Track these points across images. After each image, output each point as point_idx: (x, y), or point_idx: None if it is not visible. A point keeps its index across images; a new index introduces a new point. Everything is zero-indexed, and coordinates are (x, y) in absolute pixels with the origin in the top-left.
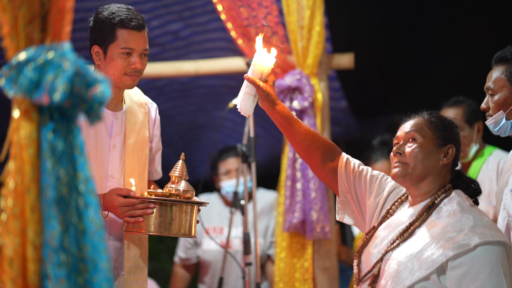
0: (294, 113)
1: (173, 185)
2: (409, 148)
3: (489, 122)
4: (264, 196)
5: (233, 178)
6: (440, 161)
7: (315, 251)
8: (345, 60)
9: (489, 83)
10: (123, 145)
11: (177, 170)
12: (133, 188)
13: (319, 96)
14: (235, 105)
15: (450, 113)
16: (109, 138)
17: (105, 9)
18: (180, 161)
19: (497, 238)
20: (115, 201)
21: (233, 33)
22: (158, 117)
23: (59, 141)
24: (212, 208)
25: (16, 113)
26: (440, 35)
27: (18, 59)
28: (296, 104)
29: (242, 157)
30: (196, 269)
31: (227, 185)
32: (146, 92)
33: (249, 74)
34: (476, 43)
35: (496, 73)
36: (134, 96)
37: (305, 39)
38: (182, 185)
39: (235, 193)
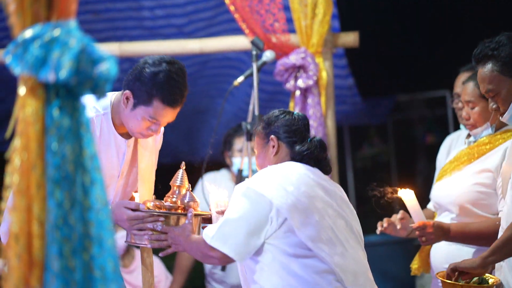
0: (298, 92)
1: (175, 196)
2: (256, 161)
3: (505, 118)
4: None
5: (246, 156)
6: (271, 154)
7: None
8: (350, 38)
9: (487, 85)
10: (131, 172)
11: (178, 179)
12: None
13: (324, 74)
14: (240, 83)
15: (468, 86)
16: (119, 166)
17: (155, 66)
18: (181, 170)
19: (246, 184)
20: (124, 214)
21: (236, 15)
22: (161, 140)
23: (65, 118)
24: (219, 186)
25: (22, 90)
26: (445, 14)
27: (24, 36)
28: (300, 82)
29: (246, 135)
30: None
31: (239, 162)
32: None
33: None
34: (481, 21)
35: (486, 72)
36: None
37: (309, 17)
38: (187, 197)
39: (240, 171)
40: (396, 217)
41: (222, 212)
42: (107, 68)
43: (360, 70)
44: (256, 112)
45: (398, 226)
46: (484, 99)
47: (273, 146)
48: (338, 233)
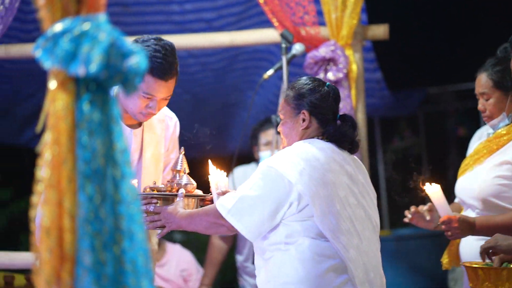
0: None
1: (174, 181)
2: (280, 128)
3: None
4: None
5: (275, 150)
6: (300, 127)
7: None
8: (380, 31)
9: None
10: (138, 161)
11: (177, 164)
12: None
13: (354, 67)
14: (269, 76)
15: (481, 78)
16: None
17: (142, 43)
18: (180, 155)
19: (268, 163)
20: None
21: (266, 8)
22: (176, 131)
23: (95, 112)
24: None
25: (52, 84)
26: (477, 4)
27: (54, 30)
28: (330, 75)
29: (276, 128)
30: (234, 239)
31: (267, 155)
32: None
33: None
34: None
35: None
36: None
37: (340, 9)
38: (184, 179)
39: None
40: (423, 208)
41: (222, 193)
42: (137, 61)
43: (388, 63)
44: None
45: (428, 218)
46: (498, 89)
47: (304, 120)
48: (356, 224)
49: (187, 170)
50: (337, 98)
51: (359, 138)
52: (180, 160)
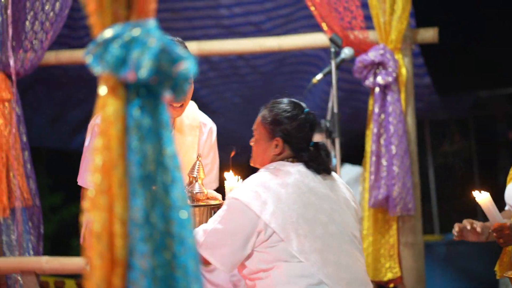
0: (378, 89)
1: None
2: (252, 143)
3: None
4: (349, 171)
5: None
6: (272, 152)
7: (400, 227)
8: (429, 34)
9: None
10: None
11: (194, 171)
12: None
13: (403, 71)
14: (318, 81)
15: None
16: None
17: None
18: (197, 162)
19: (233, 195)
20: None
21: (315, 13)
22: (212, 136)
23: (145, 117)
24: None
25: (103, 90)
26: None
27: (104, 36)
28: (380, 79)
29: (326, 133)
30: None
31: None
32: (227, 77)
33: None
34: None
35: None
36: (187, 118)
37: (388, 14)
38: (195, 187)
39: None
40: (467, 222)
41: None
42: (186, 67)
43: (437, 67)
44: (335, 110)
45: (479, 229)
46: None
47: (276, 146)
48: (329, 241)
49: (203, 176)
50: (313, 127)
51: (331, 166)
52: (196, 166)
